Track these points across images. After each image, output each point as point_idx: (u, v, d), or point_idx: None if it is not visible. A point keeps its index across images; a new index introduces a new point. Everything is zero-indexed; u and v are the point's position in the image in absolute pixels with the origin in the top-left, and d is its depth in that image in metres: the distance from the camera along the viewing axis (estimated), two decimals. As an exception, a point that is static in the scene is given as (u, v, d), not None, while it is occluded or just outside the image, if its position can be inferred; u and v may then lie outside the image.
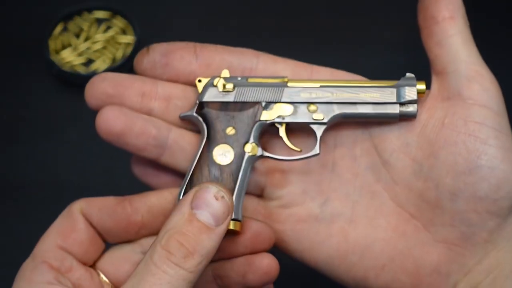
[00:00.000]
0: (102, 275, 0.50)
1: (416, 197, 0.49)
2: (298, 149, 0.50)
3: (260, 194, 0.53)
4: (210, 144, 0.49)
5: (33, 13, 0.97)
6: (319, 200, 0.51)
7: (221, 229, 0.45)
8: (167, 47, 0.50)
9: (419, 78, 0.50)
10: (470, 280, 0.48)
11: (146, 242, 0.50)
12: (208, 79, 0.49)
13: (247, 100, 0.49)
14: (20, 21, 0.97)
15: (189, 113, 0.49)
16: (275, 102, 0.49)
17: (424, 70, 0.52)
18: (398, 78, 0.51)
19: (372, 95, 0.49)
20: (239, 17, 0.95)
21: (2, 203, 0.84)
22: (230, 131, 0.49)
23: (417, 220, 0.49)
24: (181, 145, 0.50)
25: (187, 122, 0.51)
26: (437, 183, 0.48)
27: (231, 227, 0.48)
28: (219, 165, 0.48)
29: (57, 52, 0.95)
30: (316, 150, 0.49)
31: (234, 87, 0.49)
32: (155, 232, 0.48)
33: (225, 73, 0.50)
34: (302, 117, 0.49)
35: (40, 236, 0.49)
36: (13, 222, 0.81)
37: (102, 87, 0.49)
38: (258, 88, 0.49)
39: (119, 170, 0.86)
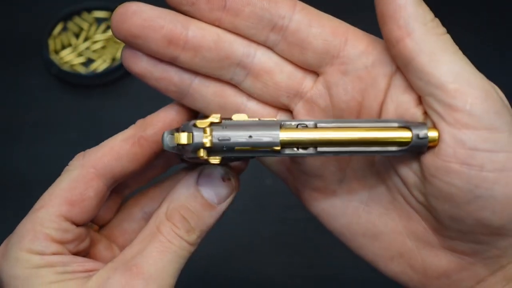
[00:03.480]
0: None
1: (421, 207, 0.45)
2: None
3: None
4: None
5: (33, 13, 0.97)
6: (338, 176, 0.48)
7: (223, 207, 0.47)
8: None
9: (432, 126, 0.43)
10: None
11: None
12: (190, 139, 0.42)
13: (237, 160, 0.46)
14: (20, 21, 0.97)
15: (175, 151, 0.44)
16: None
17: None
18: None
19: (374, 155, 0.45)
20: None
21: (2, 203, 0.84)
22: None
23: (427, 225, 0.46)
24: (203, 94, 0.47)
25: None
26: (435, 206, 0.44)
27: None
28: None
29: (57, 52, 0.95)
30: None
31: (220, 161, 0.43)
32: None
33: (207, 141, 0.42)
34: None
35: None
36: (13, 222, 0.81)
37: (129, 24, 0.44)
38: (248, 156, 0.44)
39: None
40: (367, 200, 0.48)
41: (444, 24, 0.44)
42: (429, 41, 0.42)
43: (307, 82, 0.47)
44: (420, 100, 0.44)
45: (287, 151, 0.43)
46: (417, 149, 0.43)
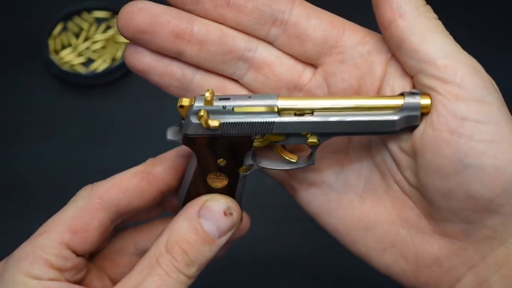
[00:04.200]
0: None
1: (414, 189, 0.47)
2: (294, 159, 0.48)
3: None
4: (202, 171, 0.48)
5: (33, 13, 0.97)
6: (335, 168, 0.50)
7: (222, 241, 0.47)
8: None
9: (423, 92, 0.45)
10: (477, 275, 0.46)
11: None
12: (192, 101, 0.45)
13: (235, 134, 0.46)
14: (20, 21, 0.97)
15: (175, 140, 0.47)
16: (266, 133, 0.46)
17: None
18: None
19: (370, 126, 0.45)
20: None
21: (2, 203, 0.84)
22: (221, 162, 0.47)
23: (420, 210, 0.47)
24: (204, 89, 0.48)
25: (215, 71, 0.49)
26: (426, 183, 0.45)
27: None
28: (215, 188, 0.48)
29: (57, 52, 0.95)
30: (311, 162, 0.48)
31: (220, 125, 0.45)
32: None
33: (208, 101, 0.45)
34: (296, 140, 0.46)
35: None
36: (13, 221, 0.82)
37: (136, 20, 0.46)
38: (246, 123, 0.45)
39: (119, 170, 0.86)
40: (362, 191, 0.49)
41: (439, 20, 0.45)
42: (420, 23, 0.44)
43: (306, 75, 0.48)
44: (414, 85, 0.46)
45: (286, 118, 0.45)
46: (411, 110, 0.44)
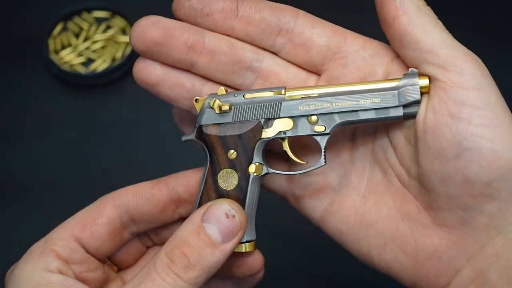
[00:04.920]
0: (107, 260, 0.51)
1: (415, 180, 0.49)
2: (304, 162, 0.50)
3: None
4: (213, 169, 0.49)
5: (33, 13, 0.97)
6: (339, 171, 0.52)
7: (227, 247, 0.46)
8: None
9: (422, 73, 0.47)
10: (475, 266, 0.47)
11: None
12: (206, 98, 0.49)
13: (245, 119, 0.49)
14: (20, 21, 0.97)
15: (190, 137, 0.49)
16: (274, 118, 0.49)
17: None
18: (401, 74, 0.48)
19: (372, 101, 0.47)
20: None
21: (2, 203, 0.84)
22: (231, 154, 0.48)
23: (419, 203, 0.49)
24: None
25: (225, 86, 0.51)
26: (426, 168, 0.47)
27: (243, 249, 0.49)
28: (225, 190, 0.49)
29: (57, 52, 0.95)
30: (322, 162, 0.49)
31: (230, 107, 0.48)
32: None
33: (221, 91, 0.49)
34: (304, 130, 0.49)
35: (40, 236, 0.49)
36: (13, 221, 0.82)
37: (151, 33, 0.48)
38: (255, 105, 0.49)
39: (118, 170, 0.86)
40: (364, 191, 0.51)
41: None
42: (421, 18, 0.47)
43: (310, 81, 0.51)
44: None
45: (292, 101, 0.48)
46: (410, 82, 0.47)
